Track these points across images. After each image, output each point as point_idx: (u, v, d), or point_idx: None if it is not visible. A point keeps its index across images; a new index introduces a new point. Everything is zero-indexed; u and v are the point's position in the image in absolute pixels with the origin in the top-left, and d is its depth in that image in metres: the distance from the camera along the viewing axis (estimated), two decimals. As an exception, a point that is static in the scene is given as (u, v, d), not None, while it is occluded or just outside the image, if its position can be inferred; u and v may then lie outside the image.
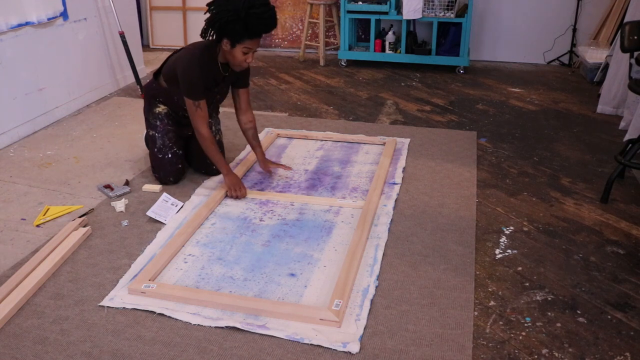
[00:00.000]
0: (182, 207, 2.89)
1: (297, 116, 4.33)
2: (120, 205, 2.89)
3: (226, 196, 3.01)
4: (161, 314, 2.13)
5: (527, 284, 2.35)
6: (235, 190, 2.98)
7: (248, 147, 3.57)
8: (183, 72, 2.85)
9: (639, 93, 2.98)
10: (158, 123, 3.10)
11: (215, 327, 2.07)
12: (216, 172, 3.23)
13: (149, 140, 3.17)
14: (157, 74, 3.13)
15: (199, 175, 3.26)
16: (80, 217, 2.80)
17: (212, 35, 2.80)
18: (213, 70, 2.91)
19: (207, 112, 2.94)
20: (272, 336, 2.02)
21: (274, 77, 5.41)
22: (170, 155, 3.10)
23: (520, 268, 2.46)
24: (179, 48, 3.09)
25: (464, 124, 4.16)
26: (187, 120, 3.08)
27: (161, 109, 3.11)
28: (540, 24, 5.69)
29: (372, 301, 2.20)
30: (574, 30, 5.57)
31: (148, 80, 3.21)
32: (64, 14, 4.23)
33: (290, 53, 6.30)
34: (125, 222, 2.77)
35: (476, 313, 2.17)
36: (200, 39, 2.87)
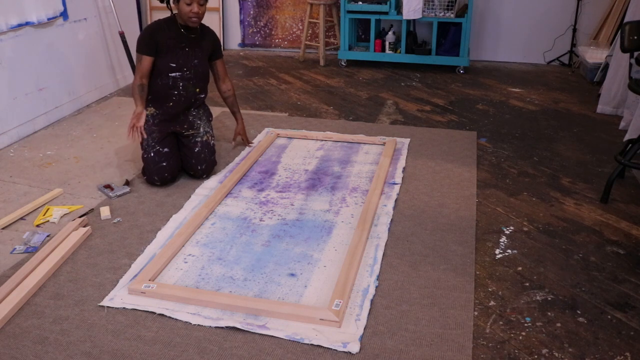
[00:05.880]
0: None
1: (297, 116, 4.33)
2: (105, 211, 2.86)
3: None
4: (161, 314, 2.13)
5: (527, 284, 2.35)
6: (138, 118, 2.93)
7: (243, 153, 3.56)
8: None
9: (639, 93, 2.98)
10: (145, 126, 3.11)
11: (215, 327, 2.07)
12: (200, 175, 3.20)
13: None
14: None
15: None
16: (80, 217, 2.80)
17: (169, 3, 3.12)
18: (173, 30, 3.11)
19: (148, 68, 3.07)
20: (272, 336, 2.02)
21: (274, 77, 5.41)
22: (152, 154, 3.10)
23: (520, 268, 2.46)
24: None
25: (464, 124, 4.16)
26: (171, 111, 3.17)
27: (149, 111, 3.14)
28: (540, 24, 5.69)
29: (372, 301, 2.20)
30: (574, 30, 5.57)
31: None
32: (64, 14, 4.23)
33: (290, 53, 6.30)
34: (118, 219, 2.79)
35: (476, 313, 2.17)
36: None
